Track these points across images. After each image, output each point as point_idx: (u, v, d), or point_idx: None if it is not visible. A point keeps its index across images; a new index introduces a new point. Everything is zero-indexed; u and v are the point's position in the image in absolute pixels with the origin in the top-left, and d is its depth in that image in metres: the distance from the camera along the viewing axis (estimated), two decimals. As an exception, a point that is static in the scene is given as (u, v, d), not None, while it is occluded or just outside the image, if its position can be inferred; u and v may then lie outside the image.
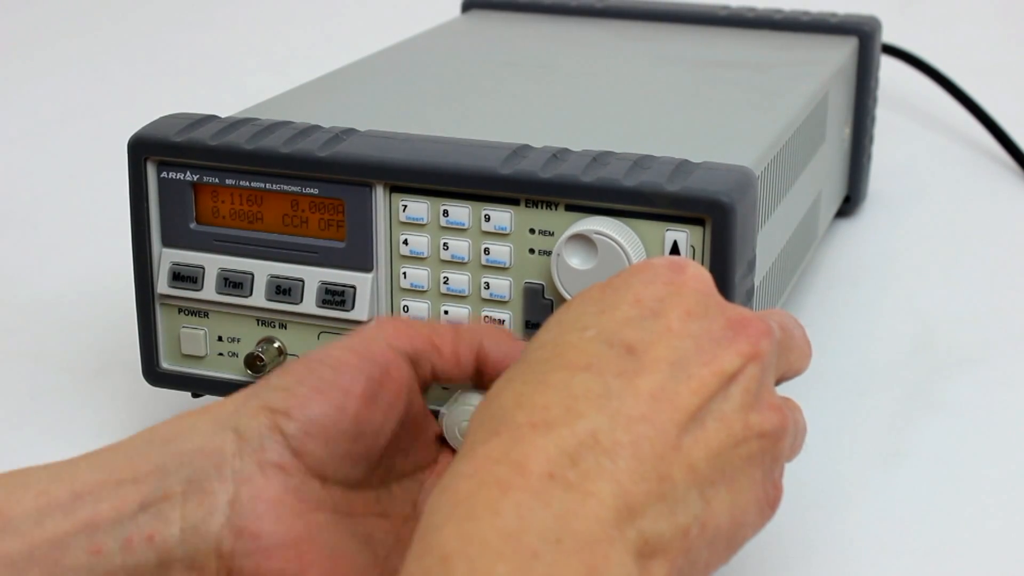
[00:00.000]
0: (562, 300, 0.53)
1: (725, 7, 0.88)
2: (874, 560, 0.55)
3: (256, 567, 0.42)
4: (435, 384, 0.48)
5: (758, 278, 0.58)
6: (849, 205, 0.90)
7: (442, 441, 0.49)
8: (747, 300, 0.53)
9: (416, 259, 0.55)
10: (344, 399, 0.44)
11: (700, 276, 0.44)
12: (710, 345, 0.42)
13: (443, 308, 0.55)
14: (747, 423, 0.42)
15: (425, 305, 0.55)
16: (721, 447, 0.41)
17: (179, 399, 0.66)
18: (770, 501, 0.43)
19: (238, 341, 0.59)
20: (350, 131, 0.56)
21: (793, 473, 0.48)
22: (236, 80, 1.22)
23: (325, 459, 0.44)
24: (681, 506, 0.39)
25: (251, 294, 0.57)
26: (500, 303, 0.55)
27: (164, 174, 0.57)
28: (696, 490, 0.40)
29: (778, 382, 0.46)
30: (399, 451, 0.47)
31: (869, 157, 0.90)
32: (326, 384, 0.44)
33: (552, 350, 0.42)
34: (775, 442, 0.43)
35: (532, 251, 0.54)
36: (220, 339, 0.59)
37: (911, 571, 0.54)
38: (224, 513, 0.42)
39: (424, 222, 0.54)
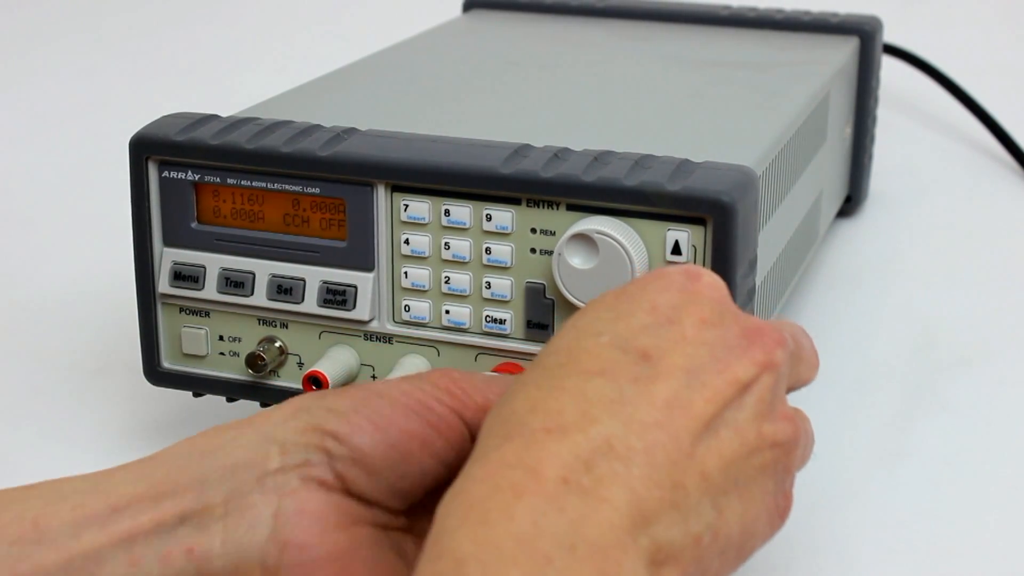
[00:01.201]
0: (563, 300, 0.53)
1: (726, 7, 0.88)
2: (876, 559, 0.55)
3: None
4: None
5: (759, 278, 0.58)
6: (850, 205, 0.90)
7: None
8: (748, 300, 0.53)
9: (417, 259, 0.55)
10: (399, 438, 0.44)
11: (715, 284, 0.44)
12: (725, 354, 0.42)
13: (444, 308, 0.55)
14: (760, 433, 0.42)
15: (426, 305, 0.55)
16: (734, 456, 0.41)
17: (180, 399, 0.66)
18: (780, 512, 0.43)
19: (239, 341, 0.59)
20: (351, 131, 0.56)
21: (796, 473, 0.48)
22: (237, 79, 1.22)
23: (365, 488, 0.44)
24: (694, 514, 0.39)
25: (252, 294, 0.57)
26: (501, 303, 0.55)
27: (165, 173, 0.57)
28: (709, 499, 0.40)
29: (787, 392, 0.46)
30: (443, 488, 0.46)
31: (870, 157, 0.90)
32: (383, 419, 0.44)
33: (567, 355, 0.42)
34: (787, 452, 0.43)
35: (533, 251, 0.54)
36: (221, 339, 0.59)
37: (912, 570, 0.54)
38: (268, 526, 0.42)
39: (425, 222, 0.54)
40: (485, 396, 0.46)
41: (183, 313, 0.59)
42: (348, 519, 0.43)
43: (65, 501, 0.42)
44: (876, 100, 0.88)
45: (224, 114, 0.60)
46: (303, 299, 0.56)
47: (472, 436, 0.46)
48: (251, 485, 0.43)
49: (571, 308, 0.53)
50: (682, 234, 0.51)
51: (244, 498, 0.43)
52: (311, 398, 0.45)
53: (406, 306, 0.56)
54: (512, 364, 0.55)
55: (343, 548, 0.43)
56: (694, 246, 0.51)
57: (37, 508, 0.42)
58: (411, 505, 0.46)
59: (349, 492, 0.44)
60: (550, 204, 0.53)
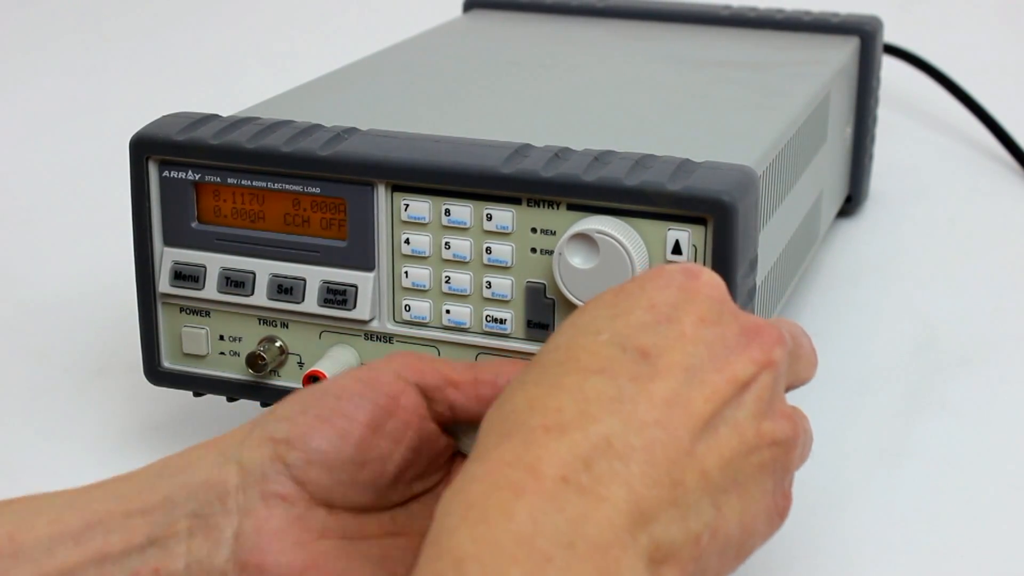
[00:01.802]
0: (564, 299, 0.53)
1: (727, 7, 0.88)
2: (876, 559, 0.55)
3: None
4: (458, 421, 0.47)
5: (760, 278, 0.58)
6: (851, 205, 0.90)
7: (456, 455, 0.49)
8: (749, 300, 0.53)
9: (418, 258, 0.55)
10: (348, 426, 0.44)
11: (714, 283, 0.44)
12: (724, 352, 0.42)
13: (445, 307, 0.55)
14: (760, 431, 0.42)
15: (427, 304, 0.55)
16: (734, 455, 0.41)
17: (180, 398, 0.66)
18: (779, 510, 0.43)
19: (239, 340, 0.59)
20: (352, 130, 0.56)
21: (795, 473, 0.48)
22: (238, 79, 1.22)
23: (330, 487, 0.44)
24: (693, 513, 0.39)
25: (252, 293, 0.57)
26: (502, 302, 0.55)
27: (166, 173, 0.57)
28: (708, 497, 0.40)
29: (786, 391, 0.46)
30: (415, 476, 0.46)
31: (871, 157, 0.90)
32: (329, 412, 0.44)
33: (565, 353, 0.42)
34: (787, 451, 0.43)
35: (534, 250, 0.54)
36: (222, 338, 0.59)
37: (913, 570, 0.54)
38: (229, 547, 0.43)
39: (426, 221, 0.54)
40: (443, 369, 0.46)
41: (184, 313, 0.59)
42: (311, 534, 0.43)
43: (40, 516, 0.42)
44: (876, 100, 0.88)
45: (225, 114, 0.60)
46: (303, 299, 0.56)
47: (434, 412, 0.46)
48: (214, 505, 0.43)
49: (571, 308, 0.53)
50: (682, 234, 0.51)
51: (207, 519, 0.43)
52: (264, 413, 0.46)
53: (406, 306, 0.56)
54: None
55: (304, 564, 0.43)
56: (694, 246, 0.51)
57: (14, 522, 0.42)
58: (391, 505, 0.46)
59: (314, 500, 0.44)
60: (550, 204, 0.53)
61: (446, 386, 0.46)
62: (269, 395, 0.59)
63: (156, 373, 0.60)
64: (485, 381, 0.46)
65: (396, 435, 0.45)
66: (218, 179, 0.57)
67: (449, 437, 0.47)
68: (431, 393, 0.46)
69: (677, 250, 0.51)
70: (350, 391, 0.45)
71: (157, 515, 0.43)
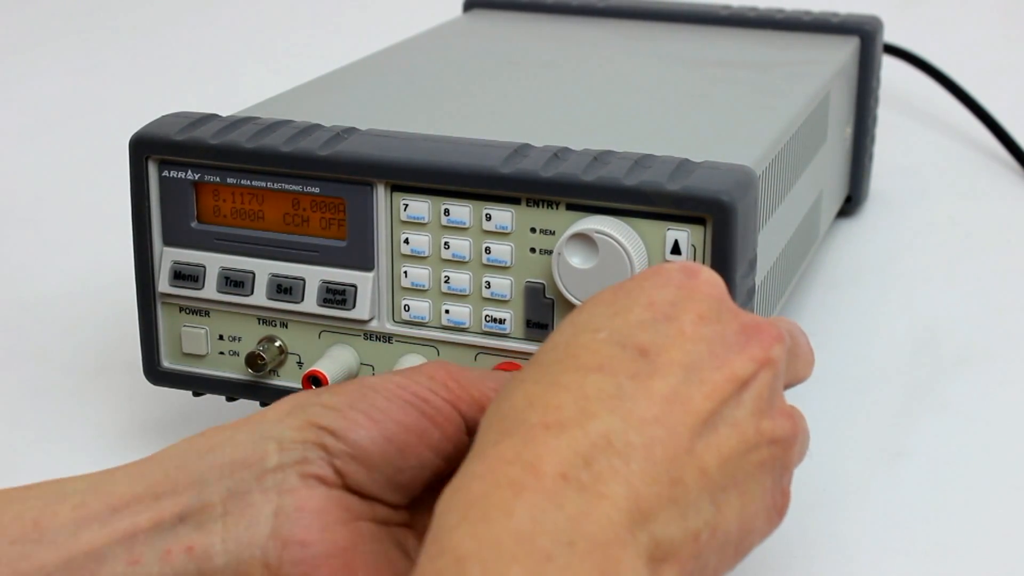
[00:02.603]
0: (563, 299, 0.53)
1: (727, 7, 0.88)
2: (876, 559, 0.55)
3: None
4: None
5: (759, 278, 0.58)
6: (850, 205, 0.90)
7: None
8: (748, 300, 0.53)
9: (417, 258, 0.55)
10: (395, 431, 0.44)
11: (713, 281, 0.44)
12: (723, 350, 0.42)
13: (444, 307, 0.55)
14: (759, 429, 0.42)
15: (426, 304, 0.55)
16: (733, 453, 0.41)
17: (180, 398, 0.66)
18: (778, 508, 0.43)
19: (239, 340, 0.59)
20: (351, 130, 0.56)
21: (795, 472, 0.48)
22: (237, 79, 1.22)
23: (365, 482, 0.44)
24: (692, 510, 0.39)
25: (252, 293, 0.57)
26: (501, 302, 0.55)
27: (165, 173, 0.57)
28: (708, 495, 0.40)
29: (784, 389, 0.46)
30: (444, 483, 0.46)
31: (870, 157, 0.90)
32: (379, 412, 0.44)
33: (564, 351, 0.42)
34: (786, 449, 0.43)
35: (533, 250, 0.54)
36: (221, 338, 0.59)
37: (913, 570, 0.54)
38: (269, 523, 0.42)
39: (425, 221, 0.54)
40: (481, 390, 0.46)
41: (183, 312, 0.59)
42: (348, 515, 0.43)
43: (65, 501, 0.42)
44: (876, 100, 0.88)
45: (224, 113, 0.60)
46: (303, 299, 0.56)
47: (469, 430, 0.46)
48: (250, 483, 0.43)
49: (571, 308, 0.53)
50: (682, 234, 0.51)
51: (243, 496, 0.43)
52: (307, 395, 0.45)
53: (406, 306, 0.56)
54: (512, 363, 0.55)
55: (344, 544, 0.43)
56: (694, 246, 0.51)
57: (37, 508, 0.42)
58: (411, 499, 0.46)
59: (348, 487, 0.44)
60: (550, 204, 0.53)
61: (479, 412, 0.46)
62: (268, 395, 0.59)
63: (156, 373, 0.60)
64: None
65: (437, 446, 0.45)
66: (218, 179, 0.57)
67: None
68: (468, 417, 0.46)
69: (676, 250, 0.51)
70: (400, 397, 0.45)
71: (187, 495, 0.42)
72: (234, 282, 0.57)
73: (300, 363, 0.58)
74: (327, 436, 0.43)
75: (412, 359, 0.56)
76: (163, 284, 0.58)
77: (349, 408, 0.44)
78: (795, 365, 0.46)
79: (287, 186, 0.56)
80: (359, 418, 0.44)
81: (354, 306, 0.56)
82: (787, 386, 0.46)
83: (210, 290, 0.58)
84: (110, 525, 0.42)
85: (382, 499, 0.45)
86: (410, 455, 0.44)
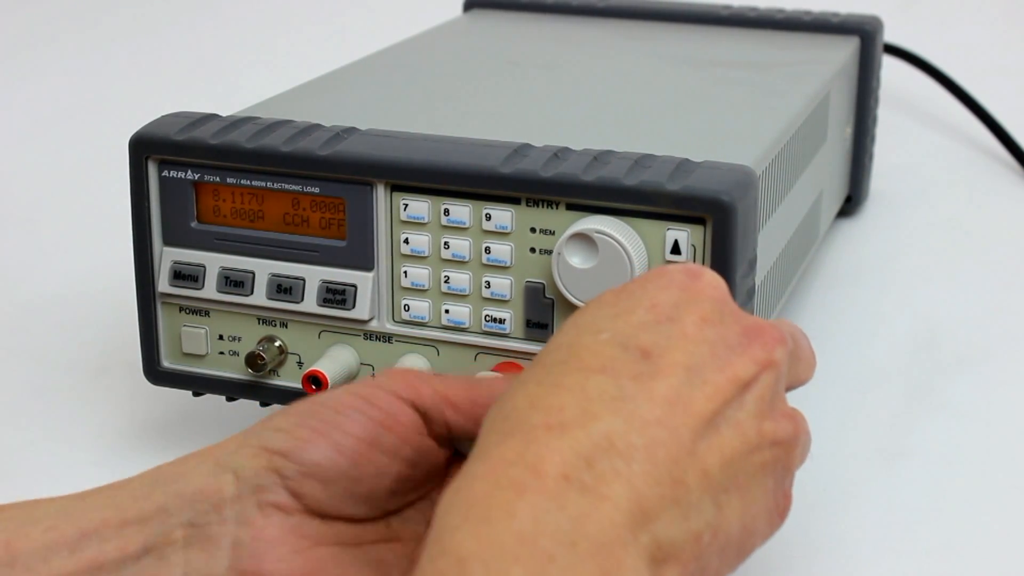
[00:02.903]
0: (563, 299, 0.53)
1: (727, 7, 0.88)
2: (876, 559, 0.55)
3: None
4: (455, 439, 0.47)
5: (759, 278, 0.58)
6: (851, 205, 0.90)
7: (453, 461, 0.48)
8: (748, 300, 0.53)
9: (417, 258, 0.55)
10: (344, 441, 0.44)
11: (715, 283, 0.44)
12: (725, 352, 0.42)
13: (444, 307, 0.55)
14: (761, 431, 0.42)
15: (426, 304, 0.55)
16: (735, 454, 0.41)
17: (180, 398, 0.66)
18: (780, 511, 0.43)
19: (239, 340, 0.59)
20: (351, 130, 0.56)
21: (795, 473, 0.48)
22: (237, 79, 1.22)
23: (324, 500, 0.44)
24: (694, 512, 0.39)
25: (252, 293, 0.57)
26: (501, 302, 0.55)
27: (165, 173, 0.57)
28: (710, 496, 0.40)
29: (785, 391, 0.46)
30: (411, 487, 0.46)
31: (871, 157, 0.90)
32: (326, 425, 0.44)
33: (567, 352, 0.42)
34: (788, 451, 0.43)
35: (533, 250, 0.53)
36: (221, 338, 0.59)
37: (913, 570, 0.54)
38: (227, 556, 0.43)
39: (425, 221, 0.54)
40: (439, 387, 0.46)
41: (183, 312, 0.59)
42: (308, 541, 0.43)
43: (37, 524, 0.42)
44: (876, 100, 0.88)
45: (224, 113, 0.60)
46: (303, 298, 0.56)
47: (431, 430, 0.46)
48: (209, 515, 0.43)
49: (571, 308, 0.53)
50: (682, 234, 0.51)
51: (203, 529, 0.43)
52: (260, 423, 0.45)
53: (406, 305, 0.56)
54: (512, 363, 0.55)
55: (303, 572, 0.43)
56: (693, 246, 0.51)
57: (10, 530, 0.42)
58: (386, 513, 0.46)
59: (308, 510, 0.44)
60: (550, 203, 0.53)
61: (444, 407, 0.46)
62: (268, 395, 0.59)
63: (156, 373, 0.60)
64: (482, 402, 0.46)
65: (393, 450, 0.44)
66: (217, 179, 0.57)
67: (447, 449, 0.47)
68: (428, 413, 0.46)
69: (676, 250, 0.51)
70: (347, 405, 0.44)
71: (153, 524, 0.43)
72: (234, 282, 0.57)
73: (300, 363, 0.58)
74: (278, 459, 0.43)
75: (412, 359, 0.56)
76: (163, 284, 0.58)
77: (297, 427, 0.44)
78: (796, 368, 0.46)
79: (287, 186, 0.56)
80: (307, 435, 0.44)
81: (354, 306, 0.56)
82: (788, 388, 0.46)
83: (210, 290, 0.58)
84: (78, 552, 0.42)
85: (346, 515, 0.44)
86: (365, 463, 0.44)
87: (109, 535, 0.42)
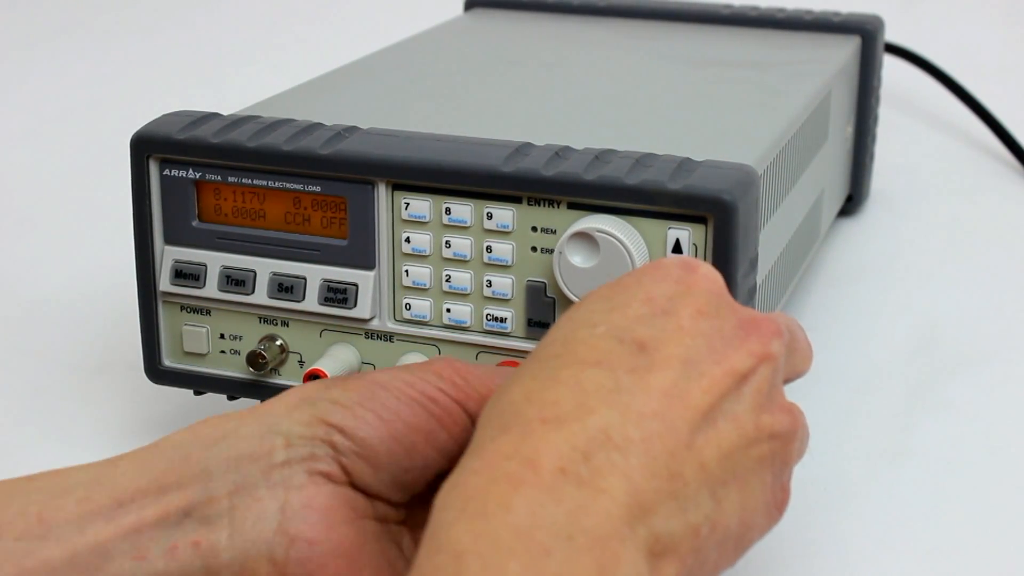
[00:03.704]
0: (564, 298, 0.53)
1: (728, 6, 0.88)
2: (877, 559, 0.55)
3: (310, 574, 0.42)
4: None
5: (760, 277, 0.58)
6: (851, 204, 0.90)
7: None
8: (749, 299, 0.53)
9: (418, 257, 0.55)
10: (403, 431, 0.44)
11: (711, 276, 0.44)
12: (722, 344, 0.42)
13: (445, 306, 0.55)
14: (759, 424, 0.42)
15: (427, 303, 0.55)
16: (733, 447, 0.41)
17: (181, 397, 0.66)
18: (778, 504, 0.43)
19: (240, 339, 0.59)
20: (352, 129, 0.56)
21: (795, 471, 0.48)
22: (238, 78, 1.22)
23: (370, 480, 0.44)
24: (692, 505, 0.39)
25: (253, 292, 0.57)
26: (502, 301, 0.55)
27: (166, 172, 0.57)
28: (707, 489, 0.40)
29: (783, 384, 0.46)
30: (441, 482, 0.46)
31: (871, 156, 0.90)
32: (388, 412, 0.44)
33: (562, 347, 0.42)
34: (786, 444, 0.43)
35: (534, 249, 0.54)
36: (222, 337, 0.59)
37: (913, 570, 0.54)
38: (275, 519, 0.42)
39: (426, 220, 0.54)
40: (488, 387, 0.46)
41: (184, 311, 0.59)
42: (354, 513, 0.43)
43: (69, 495, 0.42)
44: (877, 99, 0.88)
45: (225, 112, 0.60)
46: (304, 297, 0.56)
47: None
48: (256, 478, 0.43)
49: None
50: (683, 233, 0.51)
51: (250, 491, 0.42)
52: (315, 388, 0.45)
53: (407, 304, 0.56)
54: (513, 363, 0.55)
55: (350, 542, 0.43)
56: (695, 245, 0.51)
57: (41, 502, 0.42)
58: (411, 497, 0.46)
59: (353, 485, 0.44)
60: (551, 202, 0.53)
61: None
62: (270, 394, 0.58)
63: (157, 372, 0.60)
64: None
65: (443, 447, 0.45)
66: (219, 178, 0.57)
67: None
68: (475, 416, 0.46)
69: (677, 249, 0.51)
70: (408, 396, 0.44)
71: (193, 488, 0.42)
72: (235, 281, 0.57)
73: (301, 362, 0.58)
74: (336, 433, 0.43)
75: (413, 358, 0.56)
76: (164, 283, 0.58)
77: (358, 406, 0.44)
78: (793, 360, 0.46)
79: (288, 185, 0.56)
80: (368, 417, 0.44)
81: (355, 305, 0.56)
82: (786, 381, 0.46)
83: (211, 289, 0.58)
84: (115, 520, 0.42)
85: (385, 497, 0.44)
86: (416, 456, 0.44)
87: (147, 503, 0.42)
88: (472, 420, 0.45)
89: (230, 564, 0.42)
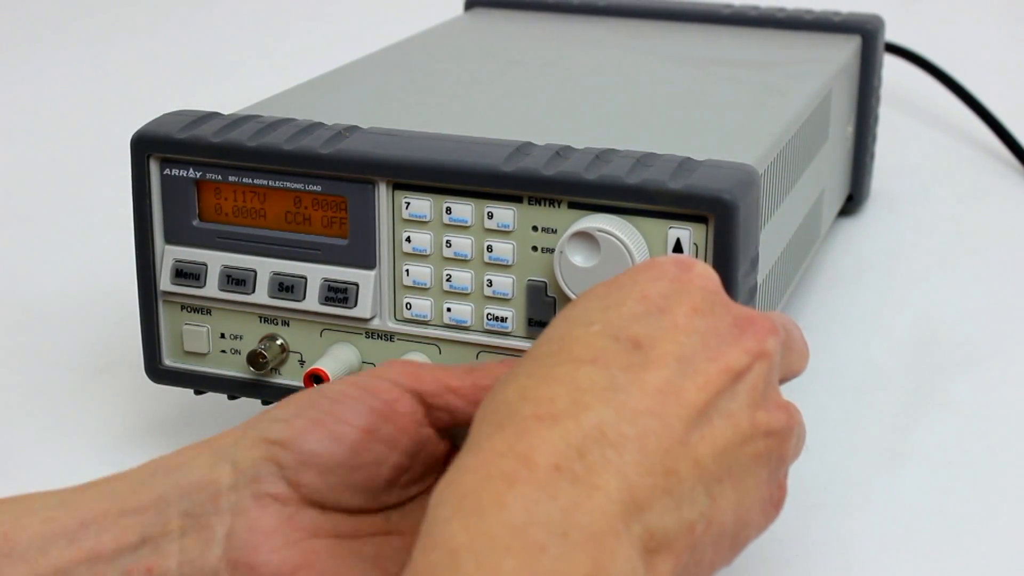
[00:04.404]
0: (565, 297, 0.53)
1: (728, 5, 0.88)
2: (876, 559, 0.55)
3: None
4: (458, 425, 0.47)
5: (761, 276, 0.58)
6: (852, 204, 0.90)
7: (452, 451, 0.49)
8: (750, 298, 0.53)
9: (419, 256, 0.55)
10: (342, 430, 0.44)
11: (706, 274, 0.44)
12: (717, 342, 0.42)
13: (446, 305, 0.55)
14: (754, 421, 0.42)
15: (428, 303, 0.55)
16: (728, 444, 0.41)
17: (182, 396, 0.66)
18: (775, 502, 0.43)
19: (240, 338, 0.59)
20: (353, 128, 0.56)
21: (795, 471, 0.48)
22: (239, 77, 1.22)
23: (322, 489, 0.44)
24: (687, 502, 0.39)
25: (254, 291, 0.57)
26: (503, 300, 0.55)
27: (167, 171, 0.57)
28: (702, 486, 0.40)
29: (779, 383, 0.46)
30: (411, 479, 0.46)
31: (872, 156, 0.90)
32: (324, 415, 0.44)
33: (558, 344, 0.42)
34: (782, 441, 0.43)
35: (535, 248, 0.54)
36: (223, 336, 0.59)
37: (913, 570, 0.54)
38: (221, 546, 0.43)
39: (427, 219, 0.54)
40: (441, 381, 0.46)
41: (184, 311, 0.59)
42: (303, 532, 0.44)
43: (35, 515, 0.43)
44: (878, 99, 0.88)
45: (226, 112, 0.60)
46: (304, 297, 0.56)
47: (431, 420, 0.46)
48: (207, 505, 0.43)
49: (572, 306, 0.53)
50: (684, 232, 0.51)
51: (199, 518, 0.43)
52: (260, 415, 0.46)
53: (407, 304, 0.56)
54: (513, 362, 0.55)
55: (296, 563, 0.43)
56: (696, 244, 0.51)
57: (7, 522, 0.42)
58: (386, 507, 0.46)
59: (306, 500, 0.44)
60: (552, 202, 0.53)
61: (445, 392, 0.46)
62: (270, 393, 0.59)
63: (157, 371, 0.60)
64: (484, 386, 0.46)
65: (391, 440, 0.45)
66: (219, 177, 0.57)
67: (447, 441, 0.47)
68: (430, 399, 0.46)
69: (678, 248, 0.51)
70: (346, 395, 0.45)
71: (150, 514, 0.43)
72: (236, 280, 0.57)
73: (302, 361, 0.58)
74: (276, 449, 0.44)
75: (414, 357, 0.56)
76: (165, 282, 0.58)
77: (296, 417, 0.44)
78: (789, 358, 0.46)
79: (289, 184, 0.56)
80: (305, 424, 0.44)
81: (356, 304, 0.56)
82: (782, 380, 0.46)
83: (212, 288, 0.58)
84: (76, 543, 0.42)
85: (344, 507, 0.44)
86: (363, 453, 0.44)
87: (107, 525, 0.42)
88: (425, 405, 0.45)
89: None
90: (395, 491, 0.46)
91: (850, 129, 0.85)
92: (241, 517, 0.43)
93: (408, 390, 0.45)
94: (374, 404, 0.45)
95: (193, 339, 0.59)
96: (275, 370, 0.58)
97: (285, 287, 0.57)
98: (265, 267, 0.57)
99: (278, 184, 0.56)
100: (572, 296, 0.52)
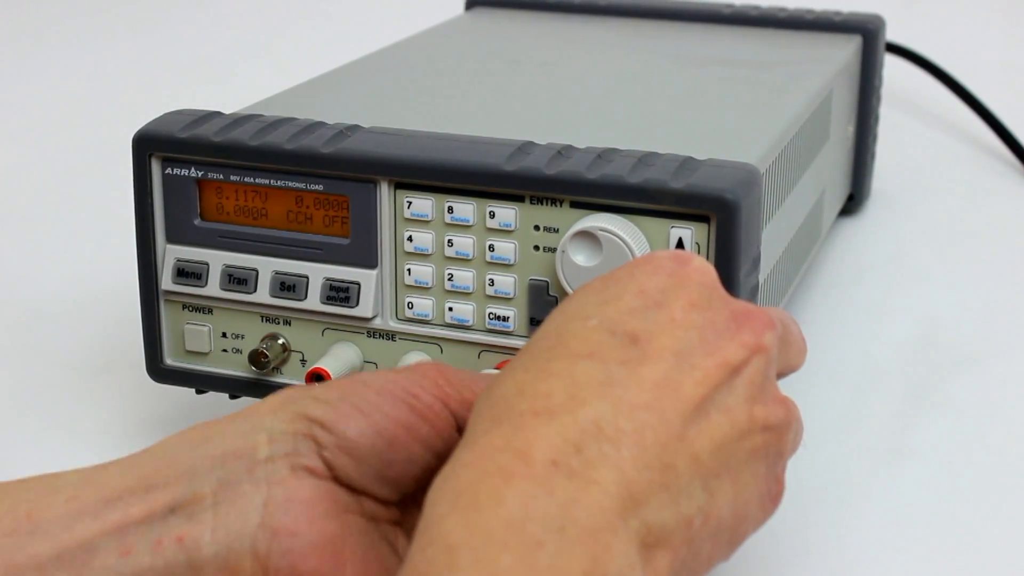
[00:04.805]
0: (566, 297, 0.53)
1: (729, 5, 0.88)
2: (876, 559, 0.55)
3: (292, 567, 0.42)
4: None
5: (762, 275, 0.58)
6: (853, 203, 0.90)
7: None
8: (751, 297, 0.53)
9: (420, 255, 0.55)
10: (384, 423, 0.44)
11: (703, 269, 0.44)
12: (714, 336, 0.42)
13: (447, 305, 0.55)
14: (752, 415, 0.42)
15: (430, 302, 0.55)
16: (725, 439, 0.41)
17: (183, 396, 0.66)
18: (772, 496, 0.43)
19: (242, 338, 0.59)
20: (354, 128, 0.56)
21: (795, 471, 0.48)
22: (240, 77, 1.22)
23: (354, 476, 0.44)
24: (684, 496, 0.39)
25: (255, 290, 0.57)
26: (504, 300, 0.55)
27: (168, 170, 0.57)
28: (700, 481, 0.40)
29: (777, 378, 0.46)
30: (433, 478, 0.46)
31: (873, 155, 0.90)
32: (369, 406, 0.44)
33: (555, 339, 0.42)
34: (779, 436, 0.43)
35: (537, 248, 0.54)
36: (224, 335, 0.59)
37: (913, 570, 0.54)
38: (259, 513, 0.42)
39: (428, 218, 0.55)
40: (472, 391, 0.46)
41: (186, 310, 0.59)
42: (336, 507, 0.43)
43: (58, 494, 0.42)
44: (879, 98, 0.89)
45: (227, 111, 0.60)
46: (306, 296, 0.56)
47: (460, 428, 0.46)
48: (241, 474, 0.43)
49: (574, 306, 0.53)
50: (686, 231, 0.51)
51: (234, 487, 0.43)
52: (299, 389, 0.46)
53: (409, 303, 0.56)
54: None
55: (332, 535, 0.43)
56: (697, 243, 0.51)
57: (31, 501, 0.42)
58: (403, 497, 0.46)
59: (337, 480, 0.44)
60: (553, 201, 0.53)
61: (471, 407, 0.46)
62: (272, 392, 0.58)
63: (158, 370, 0.60)
64: None
65: (427, 441, 0.45)
66: (221, 176, 0.57)
67: None
68: (459, 417, 0.46)
69: (680, 247, 0.51)
70: (391, 392, 0.45)
71: (179, 486, 0.43)
72: (237, 279, 0.57)
73: (303, 361, 0.58)
74: (317, 428, 0.44)
75: (415, 357, 0.56)
76: (166, 281, 0.58)
77: (339, 401, 0.44)
78: (787, 353, 0.46)
79: (290, 183, 0.56)
80: (349, 411, 0.44)
81: (357, 304, 0.56)
82: (780, 375, 0.46)
83: (213, 287, 0.58)
84: (102, 517, 0.42)
85: (371, 493, 0.45)
86: (399, 448, 0.44)
87: (134, 500, 0.42)
88: (456, 420, 0.46)
89: (214, 558, 0.42)
90: (422, 490, 0.46)
91: (851, 129, 0.85)
92: (279, 487, 0.43)
93: (445, 404, 0.45)
94: (416, 405, 0.45)
95: (194, 338, 0.59)
96: (276, 369, 0.59)
97: (287, 286, 0.57)
98: (267, 266, 0.57)
99: (280, 183, 0.56)
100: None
